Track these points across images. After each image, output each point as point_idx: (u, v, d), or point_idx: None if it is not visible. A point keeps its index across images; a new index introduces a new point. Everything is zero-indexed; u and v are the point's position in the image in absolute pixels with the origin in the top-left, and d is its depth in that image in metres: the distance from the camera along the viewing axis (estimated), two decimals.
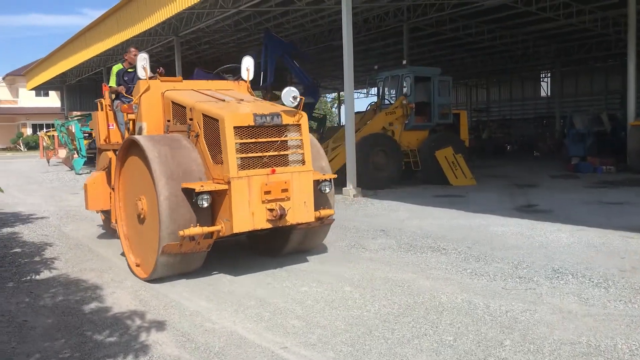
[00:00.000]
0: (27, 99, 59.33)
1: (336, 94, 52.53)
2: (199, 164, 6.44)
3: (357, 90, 45.14)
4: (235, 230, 6.11)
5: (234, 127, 6.12)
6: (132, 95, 7.94)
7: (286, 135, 6.53)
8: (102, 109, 9.10)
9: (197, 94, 7.33)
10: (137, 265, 6.84)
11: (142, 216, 6.65)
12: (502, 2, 19.31)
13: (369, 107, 17.87)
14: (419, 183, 16.44)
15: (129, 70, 8.72)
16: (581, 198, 12.61)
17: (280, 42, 19.75)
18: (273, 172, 6.30)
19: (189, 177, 6.24)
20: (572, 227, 8.95)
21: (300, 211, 6.47)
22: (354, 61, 14.06)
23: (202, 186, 6.03)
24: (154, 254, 6.25)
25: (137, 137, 6.81)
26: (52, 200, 15.33)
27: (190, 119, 6.79)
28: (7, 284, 6.53)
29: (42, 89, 47.32)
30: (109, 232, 9.03)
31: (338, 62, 16.69)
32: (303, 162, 6.58)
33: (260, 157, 6.30)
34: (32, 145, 54.91)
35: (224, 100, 6.89)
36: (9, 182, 20.51)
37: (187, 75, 23.12)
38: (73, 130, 29.02)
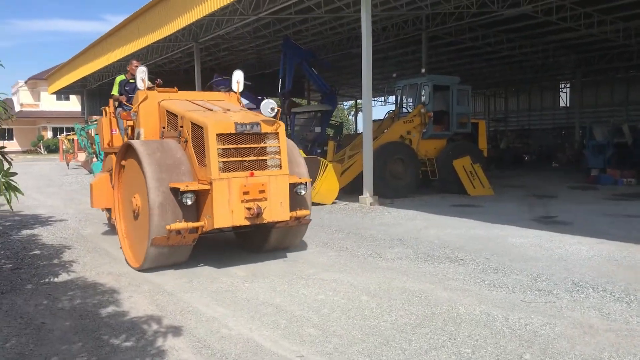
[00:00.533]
0: (49, 102, 60.22)
1: (353, 101, 52.53)
2: (187, 166, 7.19)
3: (375, 98, 45.15)
4: (216, 226, 6.81)
5: (217, 134, 6.84)
6: (132, 104, 8.64)
7: (265, 142, 7.21)
8: (105, 116, 9.95)
9: (189, 103, 8.07)
10: (132, 256, 7.59)
11: (136, 212, 7.40)
12: (522, 12, 19.16)
13: (386, 115, 17.84)
14: (436, 192, 16.35)
15: (130, 81, 9.30)
16: (601, 210, 12.46)
17: (298, 49, 19.81)
18: (252, 175, 7.00)
19: (177, 177, 6.99)
20: (592, 239, 8.84)
21: (277, 210, 7.17)
22: (372, 69, 14.05)
23: (186, 186, 6.80)
24: (145, 245, 6.98)
25: (133, 141, 7.61)
26: (71, 203, 15.49)
27: (181, 126, 7.54)
28: (26, 285, 6.60)
29: (63, 93, 47.96)
30: (111, 228, 9.28)
31: (356, 70, 16.68)
32: (280, 166, 7.27)
33: (240, 161, 7.00)
34: (52, 149, 55.71)
35: (211, 110, 7.63)
36: (29, 184, 20.77)
37: (206, 80, 23.33)
38: (92, 134, 29.38)
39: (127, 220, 7.93)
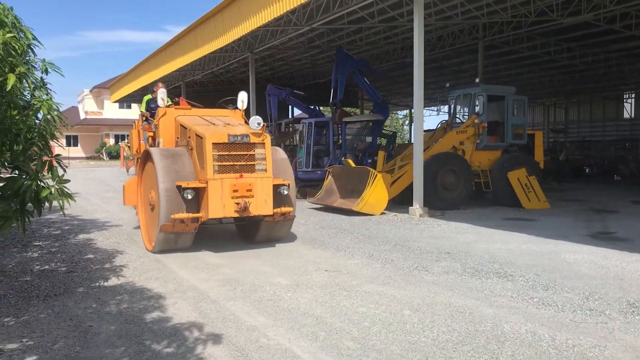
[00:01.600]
0: (112, 110, 62.42)
1: (408, 111, 52.11)
2: (191, 168, 9.02)
3: (428, 108, 44.64)
4: (210, 217, 8.55)
5: (213, 143, 8.57)
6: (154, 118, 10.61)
7: (253, 151, 8.88)
8: (135, 128, 11.94)
9: (199, 118, 9.84)
10: (147, 241, 9.49)
11: (152, 205, 9.24)
12: (584, 20, 18.57)
13: (439, 125, 17.61)
14: (489, 205, 15.99)
15: (156, 99, 10.73)
16: None
17: (350, 59, 19.82)
18: (241, 176, 8.69)
19: (182, 177, 8.77)
20: None
21: (262, 206, 8.81)
22: (425, 78, 13.90)
23: (187, 184, 8.59)
24: (155, 232, 8.83)
25: (150, 148, 9.54)
26: (127, 208, 15.93)
27: (189, 137, 9.32)
28: (77, 289, 6.83)
29: (124, 102, 49.53)
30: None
31: (410, 79, 16.54)
32: (265, 170, 8.93)
33: (232, 165, 8.68)
34: (113, 155, 57.67)
35: (214, 124, 9.37)
36: (89, 190, 21.60)
37: (261, 90, 23.67)
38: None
39: (146, 212, 9.85)
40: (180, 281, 7.18)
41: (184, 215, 8.54)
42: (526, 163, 16.18)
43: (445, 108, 38.60)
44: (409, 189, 14.19)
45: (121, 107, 59.95)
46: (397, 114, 63.51)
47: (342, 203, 14.92)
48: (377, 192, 13.89)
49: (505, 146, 16.78)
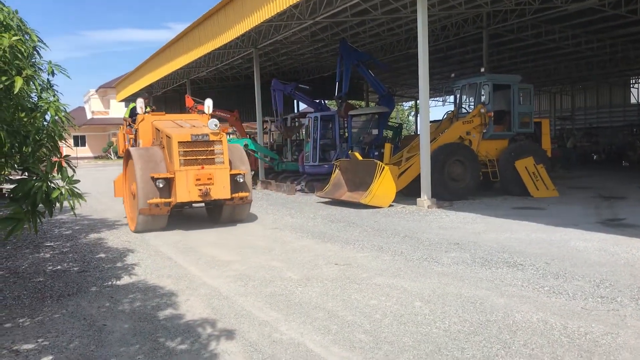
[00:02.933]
0: (118, 109, 62.50)
1: (413, 102, 51.96)
2: (163, 163, 11.13)
3: (434, 98, 44.52)
4: (179, 201, 10.66)
5: (178, 142, 10.74)
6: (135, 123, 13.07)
7: (212, 147, 10.99)
8: (120, 132, 14.66)
9: (170, 122, 12.20)
10: (131, 224, 11.65)
11: (133, 194, 11.22)
12: (588, 6, 18.43)
13: (445, 116, 17.55)
14: (497, 194, 15.97)
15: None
16: None
17: (355, 52, 19.79)
18: (202, 168, 10.79)
19: (155, 170, 10.87)
20: None
21: (221, 191, 10.89)
22: (430, 69, 13.86)
23: (159, 175, 10.70)
24: (136, 215, 10.91)
25: (131, 148, 11.85)
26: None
27: (162, 137, 11.54)
28: (90, 288, 6.89)
29: (130, 100, 49.70)
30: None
31: (415, 70, 16.46)
32: (223, 162, 11.02)
33: (195, 159, 10.81)
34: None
35: (181, 127, 11.67)
36: (98, 189, 21.73)
37: (266, 85, 23.66)
38: None
39: (130, 200, 11.99)
40: (192, 278, 7.22)
41: (157, 200, 10.65)
42: (533, 151, 16.13)
43: (451, 98, 38.54)
44: (417, 180, 14.18)
45: (127, 106, 60.15)
46: (403, 105, 63.31)
47: (350, 196, 14.93)
48: (384, 184, 13.89)
49: (512, 135, 16.72)
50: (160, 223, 11.12)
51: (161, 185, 10.66)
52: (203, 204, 11.74)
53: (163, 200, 10.68)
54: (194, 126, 11.67)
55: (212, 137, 10.99)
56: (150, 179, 10.68)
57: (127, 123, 13.80)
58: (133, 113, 13.66)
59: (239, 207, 11.76)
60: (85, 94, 70.01)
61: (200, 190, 10.59)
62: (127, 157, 11.84)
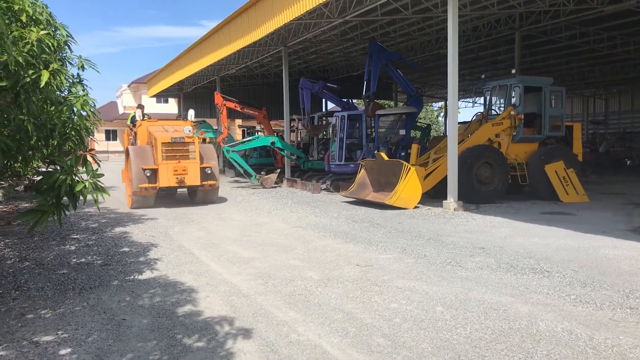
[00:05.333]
0: (149, 105, 63.23)
1: (443, 102, 51.47)
2: (151, 158, 14.51)
3: (464, 99, 43.98)
4: (161, 185, 14.13)
5: (161, 142, 14.24)
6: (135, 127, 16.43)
7: (187, 147, 14.59)
8: (125, 134, 17.89)
9: (160, 127, 15.58)
10: (128, 202, 15.05)
11: (130, 180, 14.36)
12: (625, 7, 17.96)
13: (474, 118, 17.31)
14: (526, 198, 15.69)
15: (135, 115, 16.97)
16: None
17: (384, 52, 19.61)
18: (179, 162, 14.32)
19: (145, 163, 14.27)
20: None
21: (193, 180, 14.45)
22: (461, 70, 13.67)
23: (147, 166, 14.11)
24: (130, 196, 14.60)
25: (129, 146, 15.26)
26: (163, 201, 16.19)
27: (151, 139, 14.91)
28: (112, 282, 6.94)
29: (161, 96, 50.21)
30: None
31: (445, 71, 16.20)
32: (195, 158, 14.61)
33: (174, 155, 14.35)
34: None
35: (167, 131, 15.05)
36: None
37: (294, 83, 23.65)
38: None
39: (128, 185, 15.09)
40: (212, 274, 7.22)
41: (146, 185, 14.15)
42: (564, 155, 15.80)
43: (481, 100, 38.04)
44: (443, 182, 14.00)
45: (158, 101, 60.70)
46: (432, 105, 62.76)
47: (375, 197, 14.82)
48: (410, 185, 13.75)
49: (542, 138, 16.40)
50: (149, 202, 14.60)
51: (149, 174, 14.12)
52: (186, 189, 16.03)
53: (150, 185, 14.13)
54: (176, 131, 15.03)
55: (187, 140, 14.59)
56: (141, 170, 14.09)
57: (129, 127, 17.26)
58: (133, 120, 16.90)
59: (209, 192, 15.42)
60: (118, 89, 71.03)
61: (177, 178, 14.19)
62: (127, 153, 15.26)
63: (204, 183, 14.71)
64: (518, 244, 9.10)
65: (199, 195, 15.44)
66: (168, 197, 16.84)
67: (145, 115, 17.31)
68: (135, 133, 16.24)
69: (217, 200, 15.94)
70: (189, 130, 14.68)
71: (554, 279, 6.88)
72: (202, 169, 14.66)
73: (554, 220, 11.64)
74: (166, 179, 14.07)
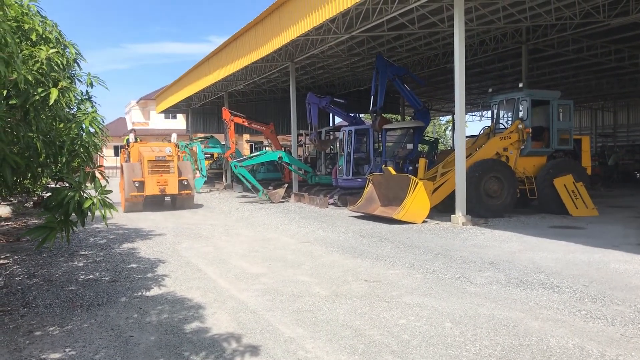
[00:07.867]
0: (158, 121, 63.68)
1: (450, 116, 51.48)
2: (140, 172, 18.45)
3: (471, 113, 43.95)
4: (147, 194, 18.10)
5: (148, 160, 18.25)
6: (129, 148, 20.71)
7: (168, 163, 18.44)
8: (122, 153, 22.09)
9: (148, 148, 19.33)
10: (122, 207, 18.64)
11: (124, 190, 18.32)
12: (632, 20, 17.97)
13: (482, 131, 17.28)
14: (534, 212, 15.60)
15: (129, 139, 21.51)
16: None
17: (391, 66, 19.68)
18: (161, 175, 18.22)
19: (135, 176, 18.29)
20: None
21: (172, 189, 18.30)
22: (468, 83, 13.67)
23: (136, 179, 18.16)
24: (124, 202, 18.59)
25: (123, 163, 19.76)
26: (172, 217, 16.23)
27: (140, 157, 18.90)
28: (120, 298, 6.94)
29: (170, 112, 50.51)
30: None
31: (452, 85, 16.24)
32: (174, 172, 18.42)
33: (157, 170, 18.24)
34: None
35: (153, 151, 18.83)
36: None
37: (302, 98, 23.74)
38: (195, 151, 30.70)
39: (122, 194, 18.73)
40: (220, 291, 7.21)
41: (136, 193, 17.93)
42: (573, 169, 15.74)
43: (488, 113, 37.98)
44: (452, 196, 13.96)
45: (167, 117, 61.13)
46: (440, 119, 62.82)
47: (382, 211, 14.79)
48: (418, 200, 13.72)
49: (550, 152, 16.35)
50: (139, 207, 18.32)
51: (137, 185, 18.02)
52: (169, 197, 19.86)
53: (139, 193, 17.97)
54: (160, 150, 18.85)
55: (167, 158, 18.48)
56: (132, 181, 18.04)
57: (125, 147, 21.44)
58: (127, 142, 21.72)
59: (186, 199, 19.14)
60: (127, 105, 71.55)
61: (159, 188, 18.04)
62: (122, 169, 19.54)
63: (181, 192, 18.58)
64: (527, 259, 9.03)
65: (177, 202, 19.26)
66: (158, 204, 20.25)
67: (137, 138, 22.70)
68: (129, 152, 20.34)
69: (193, 206, 19.74)
70: (169, 150, 18.70)
71: (564, 294, 6.81)
72: (180, 181, 18.51)
73: (563, 235, 11.56)
74: (151, 189, 17.95)
